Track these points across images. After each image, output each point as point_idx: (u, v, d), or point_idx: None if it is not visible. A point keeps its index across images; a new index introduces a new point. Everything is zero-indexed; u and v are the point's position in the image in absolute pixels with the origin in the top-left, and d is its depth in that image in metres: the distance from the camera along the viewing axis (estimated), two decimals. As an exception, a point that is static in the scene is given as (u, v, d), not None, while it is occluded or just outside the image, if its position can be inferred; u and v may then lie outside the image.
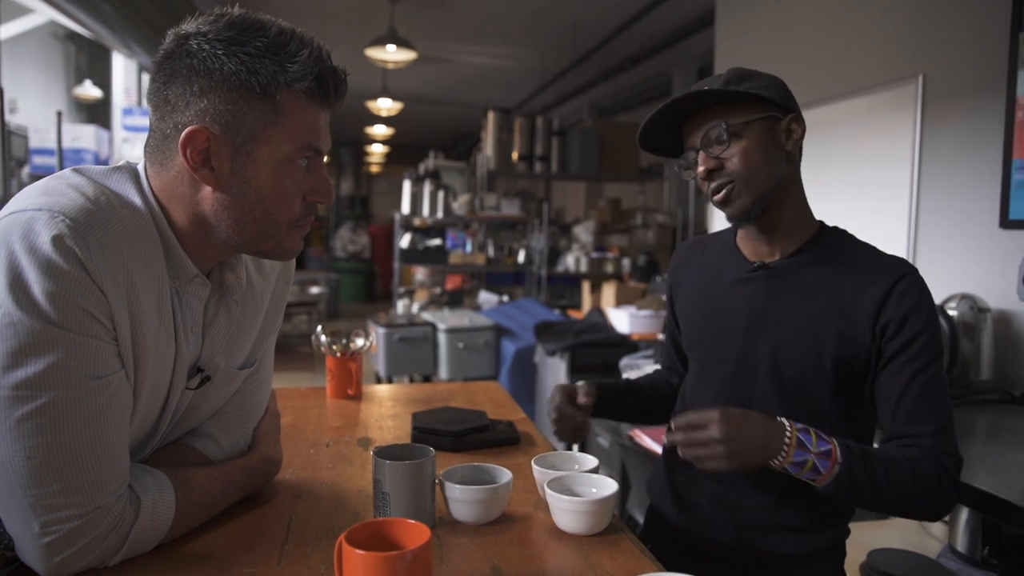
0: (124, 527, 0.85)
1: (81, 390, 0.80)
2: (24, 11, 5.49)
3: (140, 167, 0.93)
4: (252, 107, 0.87)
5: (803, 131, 1.20)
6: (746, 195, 1.17)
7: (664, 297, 1.44)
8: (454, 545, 0.97)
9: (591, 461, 1.14)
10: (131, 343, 0.86)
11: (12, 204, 0.83)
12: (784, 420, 1.06)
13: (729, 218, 1.21)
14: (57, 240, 0.78)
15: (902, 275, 1.13)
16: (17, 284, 0.76)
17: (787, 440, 1.04)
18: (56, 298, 0.77)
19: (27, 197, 0.83)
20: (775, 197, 1.19)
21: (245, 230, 0.92)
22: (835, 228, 1.25)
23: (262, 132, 0.88)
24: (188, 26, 0.88)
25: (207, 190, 0.90)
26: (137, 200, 0.89)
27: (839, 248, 1.21)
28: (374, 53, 5.71)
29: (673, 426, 1.07)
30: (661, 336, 3.85)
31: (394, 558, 0.71)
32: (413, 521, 0.78)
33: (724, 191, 1.17)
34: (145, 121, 6.51)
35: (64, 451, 0.79)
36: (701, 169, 1.18)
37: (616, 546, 0.97)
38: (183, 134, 0.86)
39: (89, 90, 6.68)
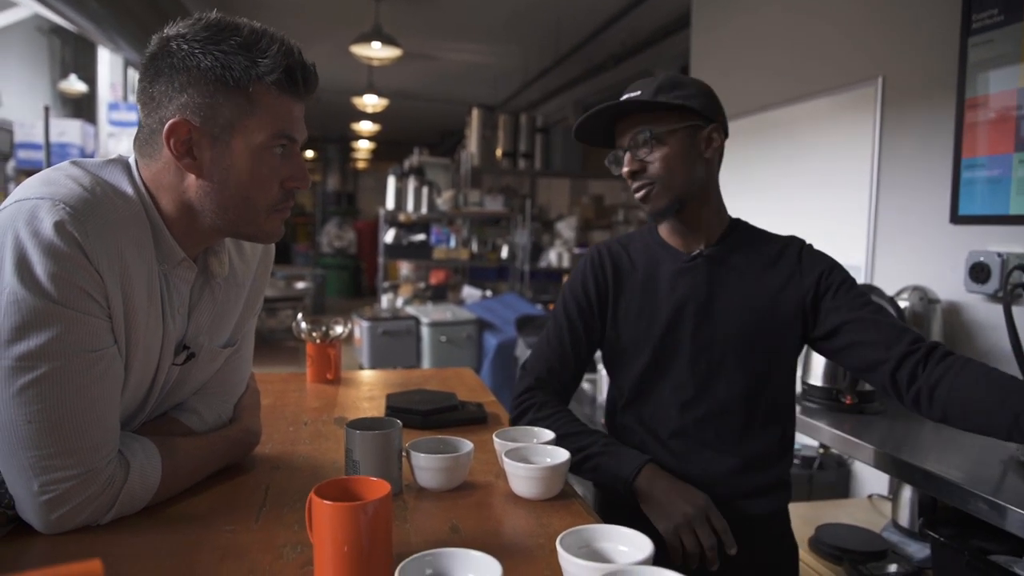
0: (115, 488, 0.94)
1: (77, 362, 0.88)
2: (8, 4, 5.51)
3: (131, 160, 1.02)
4: (228, 99, 0.96)
5: (722, 140, 1.33)
6: (664, 196, 1.31)
7: (572, 302, 1.41)
8: (418, 508, 1.06)
9: (547, 434, 1.24)
10: (123, 321, 0.94)
11: (16, 193, 0.91)
12: None
13: (648, 214, 1.35)
14: (59, 226, 0.86)
15: (801, 244, 1.38)
16: (22, 265, 0.85)
17: None
18: (57, 278, 0.86)
19: (30, 187, 0.91)
20: (693, 198, 1.33)
21: (227, 214, 1.01)
22: (739, 219, 1.42)
23: (238, 122, 0.97)
24: (170, 30, 0.97)
25: (191, 178, 0.98)
26: (129, 190, 0.98)
27: (748, 235, 1.40)
28: (359, 50, 5.77)
29: None
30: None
31: (356, 508, 0.80)
32: (376, 479, 0.87)
33: (645, 191, 1.31)
34: (131, 116, 6.57)
35: (61, 417, 0.88)
36: (625, 170, 1.32)
37: (567, 509, 1.07)
38: (167, 126, 0.95)
39: (74, 84, 6.70)
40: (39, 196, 0.88)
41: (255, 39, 0.96)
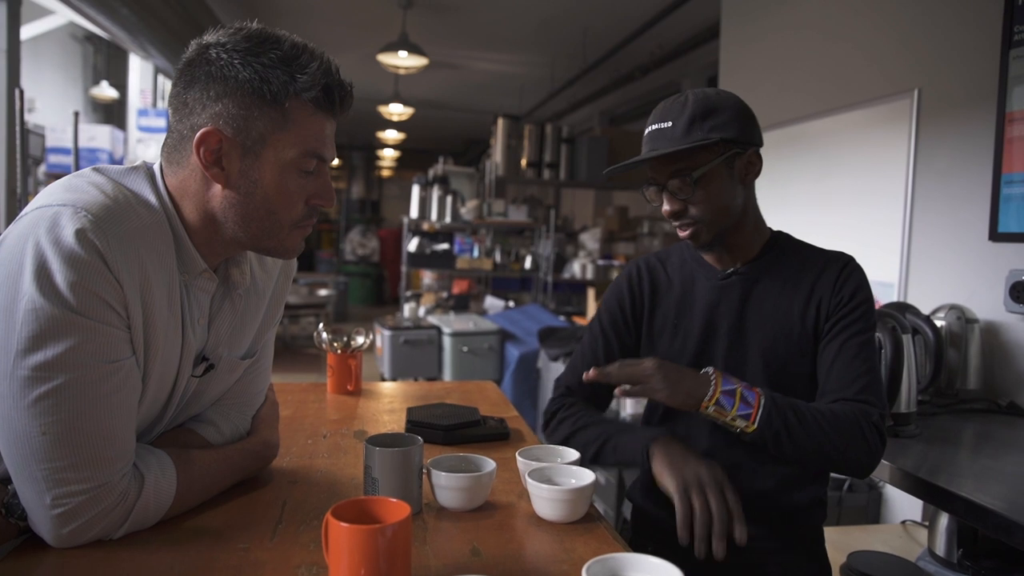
0: (128, 503, 0.91)
1: (94, 373, 0.86)
2: (44, 12, 5.61)
3: (156, 167, 1.00)
4: (263, 113, 0.94)
5: (762, 164, 1.29)
6: (708, 233, 1.28)
7: (607, 316, 1.44)
8: (438, 529, 1.03)
9: (572, 454, 1.20)
10: (142, 332, 0.92)
11: (38, 199, 0.90)
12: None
13: (695, 248, 1.34)
14: (80, 233, 0.84)
15: (846, 263, 1.32)
16: (42, 273, 0.83)
17: (712, 376, 1.17)
18: (77, 287, 0.84)
19: (52, 193, 0.89)
20: (733, 224, 1.30)
21: (250, 227, 0.99)
22: (781, 232, 1.38)
23: (270, 136, 0.95)
24: (209, 37, 0.95)
25: (217, 188, 0.96)
26: (152, 198, 0.96)
27: (789, 250, 1.36)
28: (386, 59, 5.79)
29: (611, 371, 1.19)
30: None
31: (375, 531, 0.77)
32: (395, 499, 0.84)
33: (689, 230, 1.28)
34: (160, 122, 6.65)
35: (76, 429, 0.86)
36: (667, 209, 1.28)
37: (591, 533, 1.02)
38: (198, 134, 0.93)
39: (105, 91, 6.81)
40: (61, 203, 0.87)
41: (295, 54, 0.94)
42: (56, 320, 0.83)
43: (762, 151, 1.34)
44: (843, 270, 1.30)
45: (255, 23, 0.96)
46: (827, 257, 1.33)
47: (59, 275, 0.83)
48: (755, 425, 1.16)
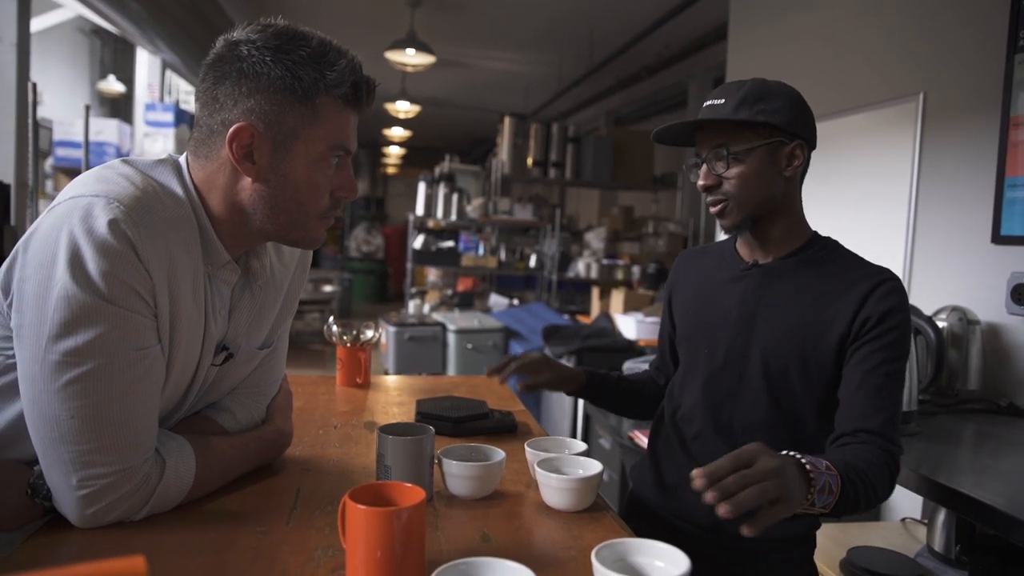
0: (150, 486, 0.94)
1: (122, 360, 0.89)
2: (53, 5, 5.64)
3: (182, 160, 1.03)
4: (293, 108, 0.97)
5: (805, 157, 1.27)
6: (738, 213, 1.26)
7: (663, 301, 1.55)
8: (449, 516, 1.05)
9: (580, 445, 1.23)
10: (168, 321, 0.95)
11: (70, 190, 0.92)
12: (789, 453, 0.97)
13: (722, 229, 1.32)
14: (113, 224, 0.87)
15: (884, 279, 1.22)
16: (75, 261, 0.86)
17: (807, 467, 0.97)
18: (108, 276, 0.87)
19: (84, 184, 0.92)
20: (767, 214, 1.28)
21: (278, 219, 1.02)
22: (827, 238, 1.33)
23: (301, 131, 0.98)
24: (238, 34, 0.98)
25: (247, 181, 0.99)
26: (179, 190, 0.99)
27: (828, 254, 1.30)
28: (394, 56, 5.81)
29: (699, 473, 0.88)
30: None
31: (391, 513, 0.79)
32: (410, 484, 0.87)
33: (719, 207, 1.28)
34: (167, 116, 6.67)
35: (103, 414, 0.89)
36: (701, 183, 1.28)
37: (598, 521, 1.05)
38: (231, 130, 0.96)
39: (113, 85, 6.83)
40: (94, 194, 0.90)
41: (324, 51, 0.97)
42: (87, 307, 0.86)
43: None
44: (877, 287, 1.20)
45: (280, 19, 0.99)
46: (866, 270, 1.24)
47: (92, 264, 0.86)
48: (828, 512, 1.04)
